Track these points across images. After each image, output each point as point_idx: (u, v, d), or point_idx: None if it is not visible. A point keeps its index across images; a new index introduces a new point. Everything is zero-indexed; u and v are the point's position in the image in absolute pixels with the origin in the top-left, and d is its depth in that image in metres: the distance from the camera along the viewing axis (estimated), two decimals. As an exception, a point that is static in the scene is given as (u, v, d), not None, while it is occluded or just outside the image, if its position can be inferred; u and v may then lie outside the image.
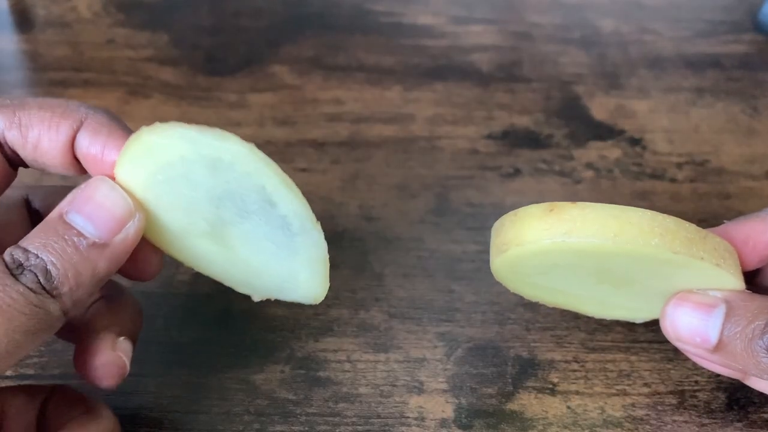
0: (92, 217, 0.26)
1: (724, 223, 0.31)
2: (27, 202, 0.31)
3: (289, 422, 0.34)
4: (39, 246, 0.26)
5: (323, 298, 0.31)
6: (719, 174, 0.45)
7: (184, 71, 0.51)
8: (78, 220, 0.26)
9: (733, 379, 0.35)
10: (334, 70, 0.52)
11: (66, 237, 0.26)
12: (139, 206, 0.28)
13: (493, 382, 0.35)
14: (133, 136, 0.27)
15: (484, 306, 0.38)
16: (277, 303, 0.38)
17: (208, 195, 0.28)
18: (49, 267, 0.25)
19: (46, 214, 0.28)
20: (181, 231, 0.29)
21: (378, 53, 0.53)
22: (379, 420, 0.34)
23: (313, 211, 0.28)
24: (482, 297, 0.39)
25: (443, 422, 0.34)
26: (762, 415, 0.34)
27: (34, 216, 0.31)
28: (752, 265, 0.30)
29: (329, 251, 0.29)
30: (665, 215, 0.28)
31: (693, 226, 0.29)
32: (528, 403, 0.35)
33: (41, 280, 0.25)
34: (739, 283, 0.29)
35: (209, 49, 0.53)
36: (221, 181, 0.28)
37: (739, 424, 0.34)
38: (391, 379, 0.35)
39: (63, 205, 0.27)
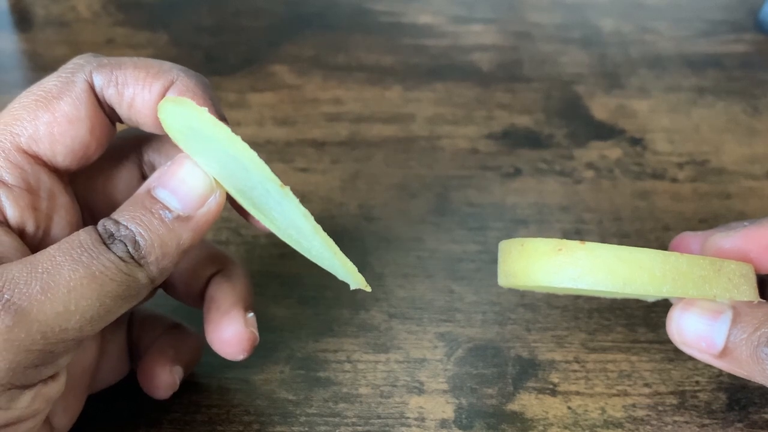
0: (176, 191, 0.28)
1: (745, 225, 0.30)
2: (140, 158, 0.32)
3: (289, 422, 0.34)
4: (128, 218, 0.27)
5: (365, 285, 0.28)
6: (720, 174, 0.45)
7: (184, 71, 0.51)
8: (164, 195, 0.28)
9: (734, 379, 0.35)
10: (334, 69, 0.52)
11: (153, 210, 0.27)
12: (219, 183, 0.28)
13: (493, 382, 0.35)
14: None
15: (485, 306, 0.38)
16: (277, 303, 0.38)
17: (226, 170, 0.27)
18: (138, 238, 0.27)
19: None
20: (255, 208, 0.28)
21: (378, 53, 0.53)
22: (379, 420, 0.34)
23: (313, 211, 0.27)
24: (482, 297, 0.38)
25: (443, 423, 0.34)
26: (763, 415, 0.34)
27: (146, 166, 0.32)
28: None
29: None
30: (678, 255, 0.28)
31: (707, 261, 0.28)
32: (528, 403, 0.34)
33: (130, 249, 0.27)
34: (753, 298, 0.29)
35: (209, 49, 0.53)
36: (219, 153, 0.27)
37: (740, 425, 0.34)
38: (392, 380, 0.35)
39: (151, 181, 0.28)
